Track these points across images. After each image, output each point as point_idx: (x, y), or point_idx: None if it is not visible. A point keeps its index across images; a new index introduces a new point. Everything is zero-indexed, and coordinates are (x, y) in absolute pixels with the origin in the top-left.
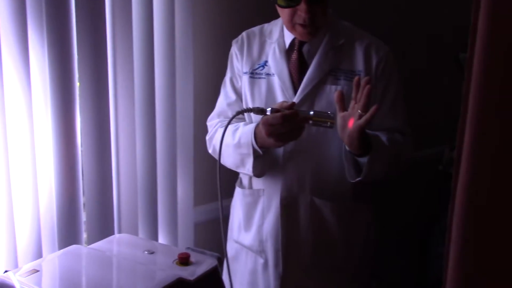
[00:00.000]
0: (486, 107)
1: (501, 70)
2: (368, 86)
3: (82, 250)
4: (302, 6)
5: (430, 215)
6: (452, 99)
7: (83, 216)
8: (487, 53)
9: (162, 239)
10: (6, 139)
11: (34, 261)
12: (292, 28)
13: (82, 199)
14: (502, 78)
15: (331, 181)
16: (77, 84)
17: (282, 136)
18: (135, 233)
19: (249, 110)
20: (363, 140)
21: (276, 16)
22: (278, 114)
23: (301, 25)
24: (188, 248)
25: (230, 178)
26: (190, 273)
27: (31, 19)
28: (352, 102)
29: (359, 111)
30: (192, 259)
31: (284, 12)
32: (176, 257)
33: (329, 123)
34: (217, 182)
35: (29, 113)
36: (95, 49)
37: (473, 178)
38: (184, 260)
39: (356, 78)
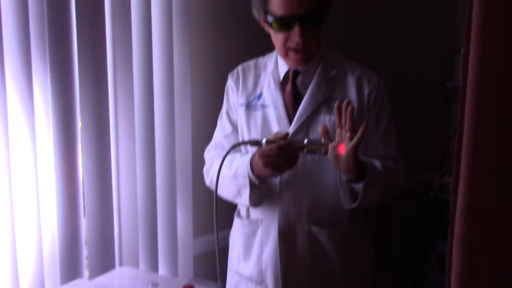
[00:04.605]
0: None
1: (493, 97)
2: (350, 108)
3: (86, 285)
4: (296, 30)
5: (423, 241)
6: (440, 126)
7: (85, 251)
8: (479, 83)
9: (162, 271)
10: (10, 174)
11: None
12: (285, 55)
13: (83, 234)
14: (493, 101)
15: (327, 208)
16: (79, 123)
17: (279, 166)
18: (136, 265)
19: (244, 142)
20: (358, 165)
21: (270, 49)
22: (274, 145)
23: (294, 50)
24: (191, 279)
25: (228, 209)
26: None
27: (35, 55)
28: (338, 130)
29: (348, 133)
30: None
31: (278, 38)
32: None
33: (323, 150)
34: (213, 214)
35: (33, 149)
36: (97, 86)
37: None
38: None
39: (337, 103)
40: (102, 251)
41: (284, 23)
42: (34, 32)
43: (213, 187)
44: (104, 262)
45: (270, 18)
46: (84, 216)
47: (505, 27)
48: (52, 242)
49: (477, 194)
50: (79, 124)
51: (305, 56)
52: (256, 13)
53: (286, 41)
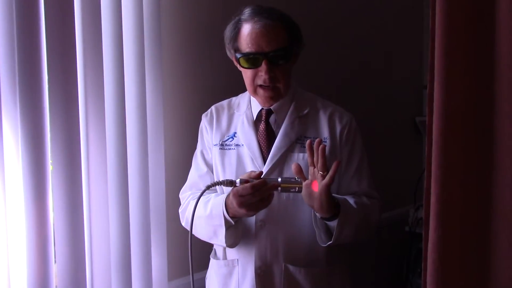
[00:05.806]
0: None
1: (459, 131)
2: (321, 146)
3: None
4: (262, 67)
5: (401, 275)
6: (413, 160)
7: None
8: (444, 118)
9: None
10: None
11: None
12: (254, 92)
13: (54, 280)
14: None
15: (303, 247)
16: (50, 166)
17: (253, 205)
18: None
19: (219, 183)
20: (332, 203)
21: (243, 89)
22: (248, 184)
23: (262, 87)
24: None
25: (204, 250)
26: None
27: (5, 98)
28: (311, 169)
29: (320, 172)
30: None
31: (247, 74)
32: None
33: (297, 188)
34: (189, 255)
35: (3, 193)
36: (68, 129)
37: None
38: None
39: (308, 142)
40: None
41: (251, 60)
42: (4, 76)
43: (188, 227)
44: None
45: (238, 55)
46: (55, 262)
47: (465, 63)
48: None
49: (448, 228)
50: (49, 168)
51: (273, 93)
52: (228, 52)
53: (254, 78)
